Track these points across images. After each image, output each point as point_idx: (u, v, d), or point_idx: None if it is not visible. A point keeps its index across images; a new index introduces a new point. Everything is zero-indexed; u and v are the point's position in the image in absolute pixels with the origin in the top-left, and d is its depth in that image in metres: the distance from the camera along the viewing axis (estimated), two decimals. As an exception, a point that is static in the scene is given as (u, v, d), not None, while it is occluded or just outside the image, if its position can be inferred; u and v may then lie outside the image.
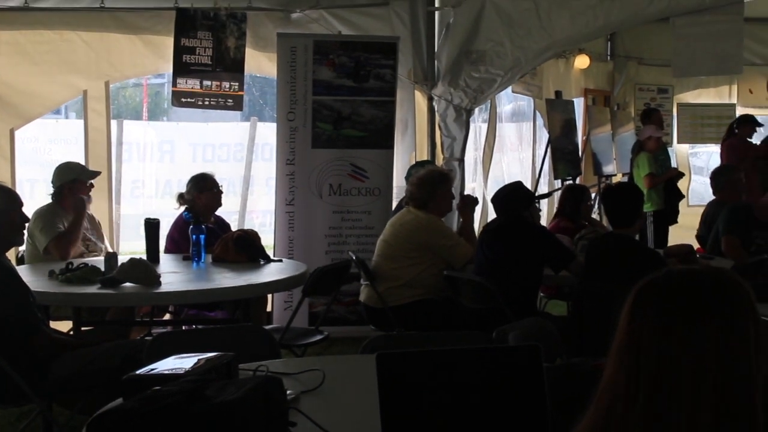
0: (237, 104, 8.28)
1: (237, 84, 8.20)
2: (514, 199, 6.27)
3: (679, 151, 14.15)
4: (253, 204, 11.06)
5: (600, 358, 3.15)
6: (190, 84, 8.07)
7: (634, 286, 1.81)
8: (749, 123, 11.22)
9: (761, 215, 6.90)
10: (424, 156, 8.91)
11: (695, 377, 1.66)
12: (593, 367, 2.86)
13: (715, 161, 11.50)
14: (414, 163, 8.40)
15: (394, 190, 8.27)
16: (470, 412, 2.51)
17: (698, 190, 13.08)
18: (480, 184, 10.13)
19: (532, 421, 2.53)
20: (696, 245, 7.67)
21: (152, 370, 2.99)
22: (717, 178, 8.13)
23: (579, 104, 12.40)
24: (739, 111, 12.93)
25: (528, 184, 10.11)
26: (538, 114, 11.48)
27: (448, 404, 2.50)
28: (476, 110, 9.34)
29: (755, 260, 6.14)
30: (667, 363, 1.69)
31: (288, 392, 2.99)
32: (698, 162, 15.17)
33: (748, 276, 5.60)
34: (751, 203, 7.06)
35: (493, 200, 6.46)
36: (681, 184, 11.25)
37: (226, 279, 5.86)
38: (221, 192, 7.35)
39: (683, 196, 11.12)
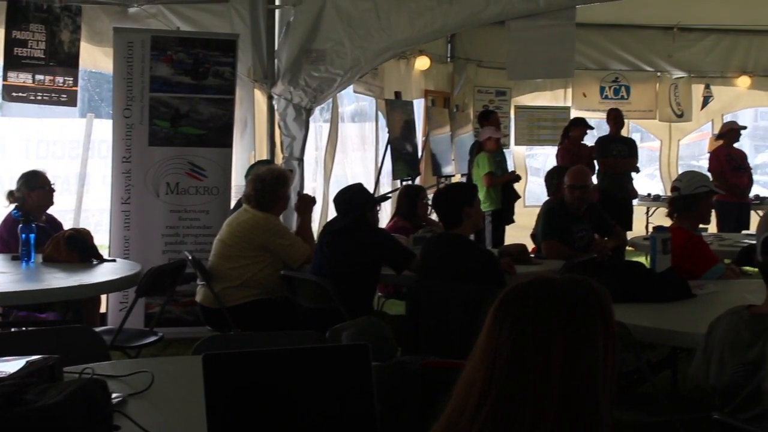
0: (71, 100, 8.07)
1: (71, 79, 8.01)
2: (356, 201, 6.27)
3: (517, 153, 14.47)
4: (89, 202, 10.79)
5: (431, 356, 3.19)
6: (22, 78, 7.83)
7: (502, 291, 1.86)
8: (580, 125, 11.55)
9: (573, 210, 7.16)
10: (264, 155, 8.87)
11: (541, 386, 1.72)
12: (421, 365, 2.89)
13: (552, 163, 11.78)
14: (253, 162, 8.34)
15: (233, 190, 8.19)
16: (298, 412, 2.50)
17: (535, 191, 13.41)
18: (320, 184, 10.13)
19: (360, 418, 2.53)
20: (531, 245, 7.84)
21: (-29, 374, 2.88)
22: (549, 180, 8.32)
23: (419, 105, 12.54)
24: (574, 114, 13.31)
25: (370, 185, 10.18)
26: (380, 114, 11.54)
27: (276, 405, 2.48)
28: (318, 110, 9.35)
29: (584, 260, 6.33)
30: (517, 370, 1.74)
31: (114, 395, 2.93)
32: (535, 163, 15.58)
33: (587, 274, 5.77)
34: (562, 199, 7.29)
35: (334, 201, 6.46)
36: (518, 185, 11.50)
37: (57, 279, 5.71)
38: (53, 190, 7.14)
39: (519, 197, 11.35)
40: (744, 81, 15.07)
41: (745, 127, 11.94)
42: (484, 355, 1.79)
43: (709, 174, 10.95)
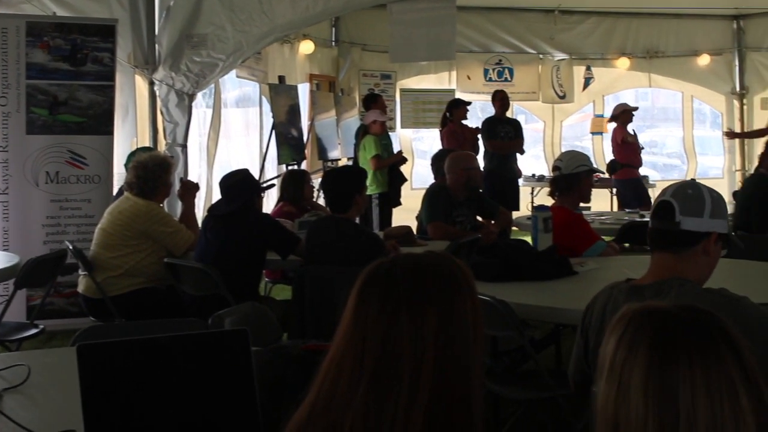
0: (-59, 89, 7.83)
1: (-60, 68, 7.75)
2: (242, 187, 6.21)
3: (403, 136, 14.54)
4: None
5: (311, 340, 3.18)
6: None
7: (362, 270, 1.85)
8: (460, 106, 11.65)
9: (455, 196, 7.25)
10: (146, 142, 8.73)
11: (416, 361, 1.72)
12: (302, 349, 2.88)
13: (438, 146, 11.84)
14: (135, 149, 8.20)
15: (115, 177, 8.05)
16: (177, 399, 2.47)
17: (422, 174, 13.46)
18: (204, 170, 10.03)
19: (240, 404, 2.51)
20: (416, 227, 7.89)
21: None
22: (435, 163, 8.37)
23: (304, 89, 12.49)
24: (458, 96, 13.38)
25: (255, 170, 10.10)
26: (264, 99, 11.45)
27: (154, 393, 2.45)
28: (201, 95, 9.23)
29: (468, 240, 6.39)
30: (390, 347, 1.73)
31: (-14, 390, 2.86)
32: (422, 146, 15.64)
33: (464, 255, 5.82)
34: (445, 184, 7.38)
35: (220, 185, 6.40)
36: (404, 168, 11.56)
37: (-69, 273, 5.55)
38: (-74, 183, 6.94)
39: (405, 180, 11.40)
40: (623, 62, 15.44)
41: (636, 108, 12.25)
42: (351, 339, 1.77)
43: (588, 154, 11.18)
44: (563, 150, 14.37)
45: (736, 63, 15.81)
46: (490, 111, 12.24)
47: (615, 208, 12.28)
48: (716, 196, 3.21)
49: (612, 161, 11.85)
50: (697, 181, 3.33)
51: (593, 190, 6.30)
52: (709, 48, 15.50)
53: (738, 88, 15.66)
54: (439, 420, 1.71)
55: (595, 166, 6.44)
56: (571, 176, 5.93)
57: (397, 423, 1.70)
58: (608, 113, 15.30)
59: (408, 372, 1.71)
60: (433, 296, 1.77)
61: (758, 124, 14.43)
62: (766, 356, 2.80)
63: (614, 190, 12.50)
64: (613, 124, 12.04)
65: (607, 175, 12.75)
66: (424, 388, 1.71)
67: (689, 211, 3.13)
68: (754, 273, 5.11)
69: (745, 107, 15.59)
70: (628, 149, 11.80)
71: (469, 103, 11.83)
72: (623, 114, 11.90)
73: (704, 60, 15.45)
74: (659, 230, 3.22)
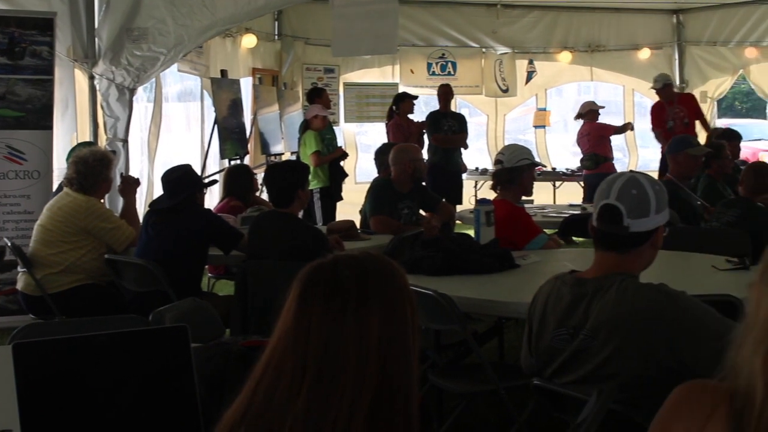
0: None
1: None
2: (184, 182, 6.16)
3: (347, 130, 14.53)
4: None
5: (253, 336, 3.16)
6: None
7: (301, 271, 1.85)
8: (406, 99, 11.68)
9: (400, 188, 7.28)
10: (86, 137, 8.63)
11: (360, 361, 1.72)
12: (243, 345, 2.86)
13: (382, 140, 11.84)
14: (75, 144, 8.11)
15: (55, 173, 7.95)
16: (116, 398, 2.44)
17: (365, 168, 13.46)
18: (146, 165, 9.95)
19: (180, 400, 2.49)
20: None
21: None
22: (379, 157, 8.37)
23: (247, 84, 12.43)
24: (402, 90, 13.40)
25: (197, 165, 10.04)
26: (206, 94, 11.38)
27: (92, 391, 2.42)
28: (141, 90, 9.14)
29: (411, 234, 6.39)
30: (335, 348, 1.73)
31: None
32: (365, 140, 15.64)
33: (407, 248, 5.82)
34: (388, 177, 7.40)
35: (162, 180, 6.34)
36: (348, 162, 11.55)
37: None
38: None
39: (347, 175, 11.37)
40: (565, 56, 15.57)
41: (603, 107, 12.48)
42: (295, 340, 1.77)
43: (530, 147, 11.30)
44: (506, 143, 14.47)
45: (676, 57, 16.03)
46: (434, 105, 12.27)
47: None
48: (658, 189, 3.24)
49: (594, 155, 11.97)
50: (635, 173, 3.34)
51: (535, 183, 6.32)
52: (649, 42, 15.71)
53: (678, 82, 15.83)
54: (381, 419, 1.72)
55: (537, 159, 6.47)
56: (513, 170, 5.95)
57: (339, 424, 1.69)
58: (551, 107, 15.50)
59: (352, 373, 1.72)
60: (377, 297, 1.79)
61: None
62: (710, 351, 2.85)
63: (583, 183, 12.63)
64: (580, 122, 12.31)
65: (549, 168, 12.95)
66: (368, 389, 1.72)
67: (637, 214, 3.17)
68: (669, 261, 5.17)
69: (685, 100, 15.78)
70: (607, 144, 12.17)
71: (415, 97, 11.88)
72: (590, 113, 12.18)
73: (645, 54, 15.65)
74: (607, 233, 3.24)
